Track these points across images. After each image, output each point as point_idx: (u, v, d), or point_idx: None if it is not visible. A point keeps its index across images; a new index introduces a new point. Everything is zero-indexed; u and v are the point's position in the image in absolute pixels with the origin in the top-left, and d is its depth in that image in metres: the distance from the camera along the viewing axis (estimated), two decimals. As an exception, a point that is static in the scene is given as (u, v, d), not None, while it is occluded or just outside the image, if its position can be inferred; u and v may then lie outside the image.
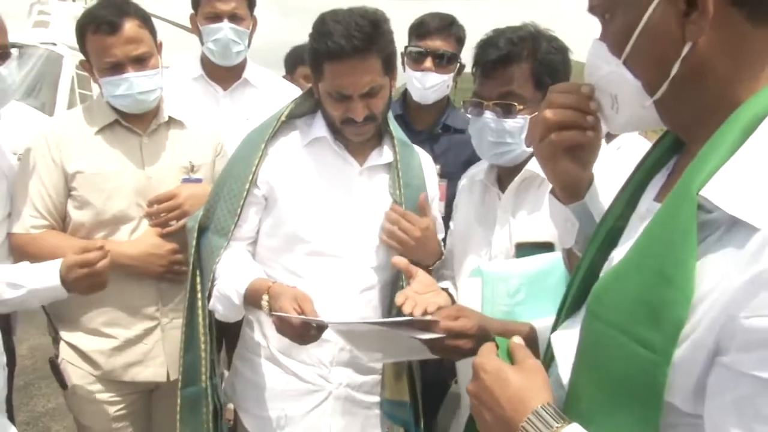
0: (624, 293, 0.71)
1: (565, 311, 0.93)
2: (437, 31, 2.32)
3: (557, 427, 0.74)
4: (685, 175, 0.69)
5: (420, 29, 2.35)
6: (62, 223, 1.96)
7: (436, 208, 1.92)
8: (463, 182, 1.82)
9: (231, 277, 1.64)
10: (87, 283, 1.70)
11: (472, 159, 1.84)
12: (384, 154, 1.78)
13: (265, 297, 1.52)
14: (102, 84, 1.93)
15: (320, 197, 1.72)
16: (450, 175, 2.21)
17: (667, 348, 0.65)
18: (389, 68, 1.64)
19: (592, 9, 0.81)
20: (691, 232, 0.65)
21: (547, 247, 1.48)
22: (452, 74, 2.34)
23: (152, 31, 1.96)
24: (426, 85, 2.31)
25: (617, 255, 0.83)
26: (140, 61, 1.90)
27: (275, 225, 1.74)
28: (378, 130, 1.76)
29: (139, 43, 1.89)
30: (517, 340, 0.87)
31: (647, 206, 0.83)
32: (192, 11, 2.60)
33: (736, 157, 0.66)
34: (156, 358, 2.02)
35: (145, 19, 1.92)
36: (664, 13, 0.71)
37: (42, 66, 7.60)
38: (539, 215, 1.54)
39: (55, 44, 7.91)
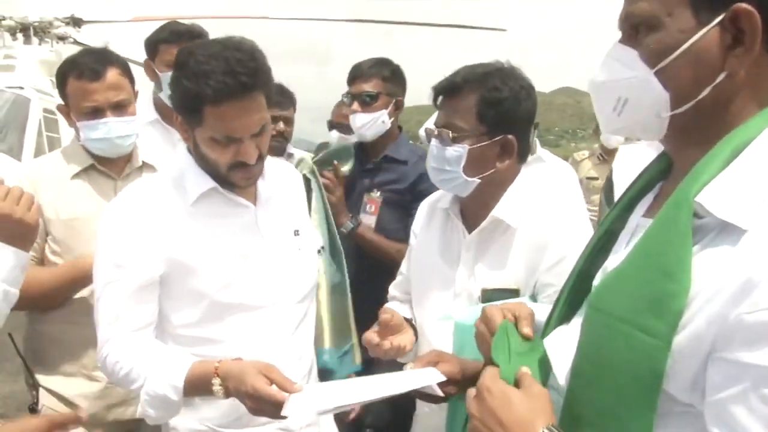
0: (627, 288, 0.79)
1: (555, 320, 0.99)
2: (360, 76, 2.55)
3: None
4: (682, 185, 0.78)
5: (349, 77, 2.62)
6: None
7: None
8: (424, 208, 1.80)
9: (157, 374, 1.42)
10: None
11: (411, 189, 2.12)
12: (267, 184, 1.64)
13: (216, 381, 1.35)
14: (80, 127, 1.98)
15: (233, 255, 1.55)
16: (386, 201, 2.50)
17: (667, 334, 0.73)
18: (271, 101, 1.52)
19: (629, 16, 0.85)
20: (688, 234, 0.74)
21: (513, 293, 1.52)
22: (384, 110, 2.53)
23: (131, 79, 2.04)
24: (357, 125, 2.54)
25: (611, 263, 0.91)
26: (120, 107, 1.98)
27: (191, 299, 1.53)
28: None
29: (119, 90, 1.97)
30: (525, 369, 0.91)
31: (637, 222, 0.92)
32: (147, 57, 2.63)
33: (726, 171, 0.76)
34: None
35: (125, 68, 2.01)
36: (711, 40, 0.78)
37: (9, 110, 7.54)
38: (505, 261, 1.56)
39: (22, 88, 7.87)
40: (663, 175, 0.95)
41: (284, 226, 1.66)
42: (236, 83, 1.38)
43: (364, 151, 2.64)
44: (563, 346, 0.91)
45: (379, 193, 2.52)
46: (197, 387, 1.38)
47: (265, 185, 1.63)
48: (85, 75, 1.92)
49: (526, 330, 1.03)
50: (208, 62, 1.38)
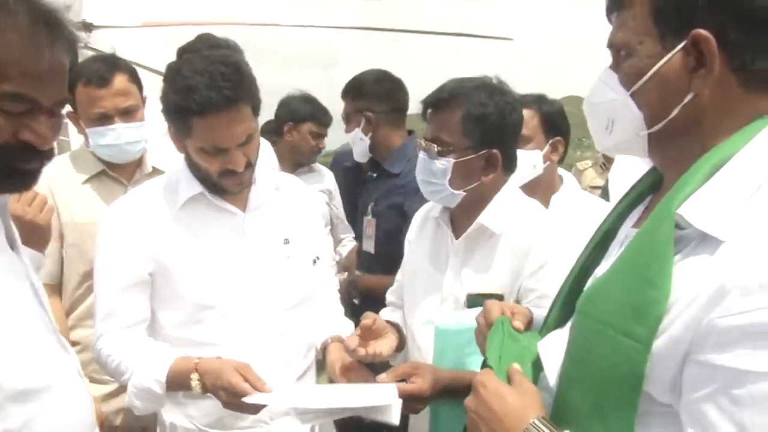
0: (613, 295, 0.84)
1: (551, 323, 1.05)
2: (351, 95, 2.67)
3: None
4: (665, 199, 0.83)
5: (345, 90, 2.72)
6: (60, 270, 2.01)
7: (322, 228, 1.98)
8: (419, 216, 1.85)
9: (143, 367, 1.51)
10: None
11: (401, 202, 2.12)
12: (263, 191, 1.70)
13: (195, 376, 1.44)
14: (89, 134, 2.01)
15: (214, 259, 1.61)
16: (379, 215, 2.51)
17: (648, 338, 0.77)
18: (257, 111, 1.59)
19: (611, 45, 0.93)
20: (669, 244, 0.79)
21: (497, 297, 1.52)
22: (357, 128, 2.62)
23: (139, 86, 2.07)
24: (360, 146, 2.66)
25: (600, 271, 0.96)
26: (128, 113, 2.00)
27: (174, 300, 1.60)
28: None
29: (127, 96, 2.00)
30: (516, 366, 0.98)
31: (626, 233, 0.98)
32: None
33: (706, 185, 0.81)
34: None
35: (133, 74, 2.04)
36: (676, 64, 0.84)
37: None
38: (490, 266, 1.60)
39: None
40: (654, 188, 1.00)
41: (273, 234, 1.70)
42: (220, 97, 1.45)
43: (360, 165, 2.75)
44: (555, 349, 0.95)
45: (370, 216, 2.56)
46: (178, 382, 1.47)
47: (257, 192, 1.69)
48: (92, 82, 1.95)
49: (517, 323, 1.09)
50: (193, 77, 1.46)
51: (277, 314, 1.66)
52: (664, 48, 0.85)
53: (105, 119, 1.98)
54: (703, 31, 0.81)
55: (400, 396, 1.31)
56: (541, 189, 2.08)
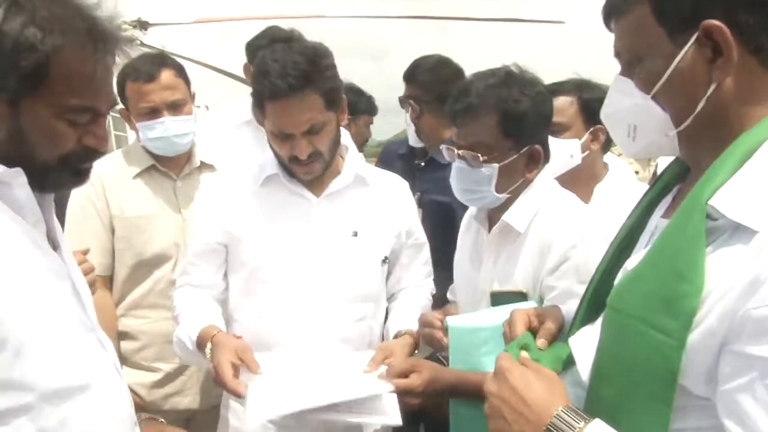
0: (643, 289, 0.83)
1: (580, 319, 1.02)
2: (405, 80, 2.60)
3: (580, 427, 0.82)
4: (695, 189, 0.81)
5: (406, 76, 2.62)
6: (112, 262, 2.06)
7: (418, 230, 1.90)
8: (466, 217, 1.81)
9: (186, 323, 1.66)
10: None
11: (448, 200, 1.96)
12: (342, 182, 1.73)
13: (209, 346, 1.54)
14: (139, 128, 2.07)
15: (276, 236, 1.68)
16: (425, 206, 2.41)
17: (681, 333, 0.76)
18: (332, 103, 1.60)
19: (618, 53, 0.92)
20: (701, 236, 0.77)
21: (520, 296, 1.50)
22: (406, 114, 2.58)
23: (186, 81, 2.11)
24: (410, 131, 2.61)
25: (630, 264, 0.93)
26: (175, 107, 2.05)
27: (236, 269, 1.73)
28: (328, 165, 1.69)
29: (174, 90, 2.04)
30: (525, 354, 0.97)
31: (656, 223, 0.96)
32: (246, 61, 2.66)
33: (737, 174, 0.79)
34: (193, 387, 2.11)
35: (180, 70, 2.09)
36: (692, 58, 0.82)
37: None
38: (514, 265, 1.55)
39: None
40: (681, 177, 0.98)
41: (342, 225, 1.71)
42: (285, 84, 1.52)
43: (413, 152, 2.67)
44: (587, 344, 0.93)
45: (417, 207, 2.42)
46: (201, 345, 1.58)
47: (337, 182, 1.72)
48: (140, 77, 2.01)
49: (540, 342, 1.03)
50: (270, 64, 1.55)
51: (330, 305, 1.68)
52: (676, 45, 0.83)
53: (153, 113, 2.03)
54: (713, 21, 0.80)
55: (395, 390, 1.30)
56: (582, 179, 1.99)
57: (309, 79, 1.54)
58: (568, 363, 0.98)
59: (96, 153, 1.03)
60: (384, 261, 1.77)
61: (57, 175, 1.01)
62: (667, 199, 0.98)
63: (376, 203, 1.76)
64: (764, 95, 0.82)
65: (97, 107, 1.00)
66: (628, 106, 0.91)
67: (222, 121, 2.63)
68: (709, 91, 0.82)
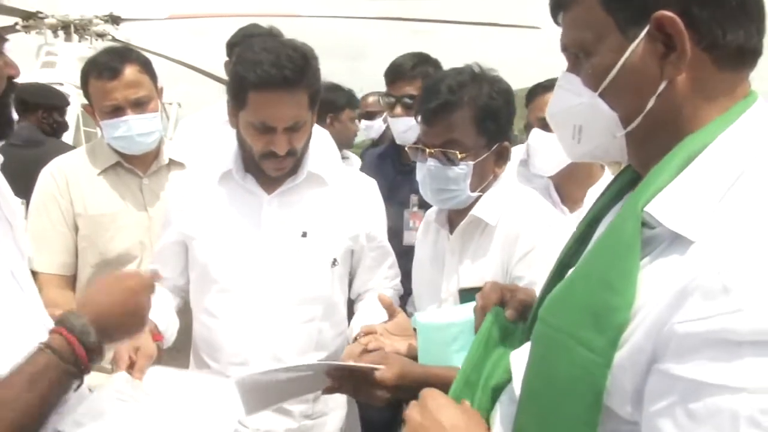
0: (572, 300, 0.77)
1: (527, 333, 0.97)
2: (402, 75, 2.39)
3: None
4: (632, 194, 0.76)
5: (389, 75, 2.45)
6: (75, 261, 2.02)
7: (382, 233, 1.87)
8: (422, 225, 1.80)
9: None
10: None
11: None
12: (295, 180, 1.69)
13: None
14: (102, 126, 2.01)
15: (226, 234, 1.67)
16: (427, 206, 2.26)
17: (608, 350, 0.70)
18: (314, 104, 1.61)
19: (565, 48, 0.87)
20: (635, 245, 0.71)
21: None
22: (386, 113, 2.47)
23: (152, 76, 2.04)
24: (399, 130, 2.39)
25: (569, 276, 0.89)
26: (139, 105, 1.98)
27: (192, 267, 1.73)
28: (296, 165, 1.68)
29: (138, 88, 1.97)
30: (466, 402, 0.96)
31: (602, 231, 0.89)
32: (227, 59, 2.59)
33: (678, 179, 0.73)
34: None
35: (145, 65, 2.01)
36: (643, 53, 0.77)
37: (49, 105, 7.74)
38: (483, 260, 1.55)
39: (62, 84, 8.06)
40: (633, 184, 0.92)
41: (293, 224, 1.67)
42: (279, 75, 1.50)
43: (399, 152, 2.46)
44: (524, 359, 0.87)
45: (416, 208, 2.30)
46: None
47: (293, 180, 1.68)
48: (103, 74, 1.94)
49: (509, 312, 1.06)
50: (261, 53, 1.52)
51: (277, 305, 1.65)
52: (627, 39, 0.78)
53: (117, 111, 1.97)
54: (666, 12, 0.74)
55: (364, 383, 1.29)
56: (576, 179, 1.99)
57: (303, 75, 1.53)
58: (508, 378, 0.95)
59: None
60: (334, 263, 1.71)
61: None
62: (617, 207, 0.92)
63: (331, 203, 1.72)
64: (716, 96, 0.77)
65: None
66: (574, 104, 0.85)
67: (206, 121, 2.57)
68: (660, 88, 0.77)
